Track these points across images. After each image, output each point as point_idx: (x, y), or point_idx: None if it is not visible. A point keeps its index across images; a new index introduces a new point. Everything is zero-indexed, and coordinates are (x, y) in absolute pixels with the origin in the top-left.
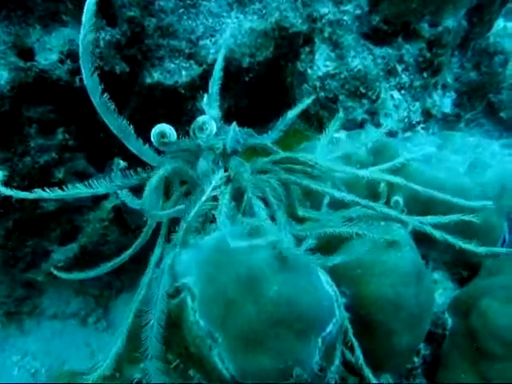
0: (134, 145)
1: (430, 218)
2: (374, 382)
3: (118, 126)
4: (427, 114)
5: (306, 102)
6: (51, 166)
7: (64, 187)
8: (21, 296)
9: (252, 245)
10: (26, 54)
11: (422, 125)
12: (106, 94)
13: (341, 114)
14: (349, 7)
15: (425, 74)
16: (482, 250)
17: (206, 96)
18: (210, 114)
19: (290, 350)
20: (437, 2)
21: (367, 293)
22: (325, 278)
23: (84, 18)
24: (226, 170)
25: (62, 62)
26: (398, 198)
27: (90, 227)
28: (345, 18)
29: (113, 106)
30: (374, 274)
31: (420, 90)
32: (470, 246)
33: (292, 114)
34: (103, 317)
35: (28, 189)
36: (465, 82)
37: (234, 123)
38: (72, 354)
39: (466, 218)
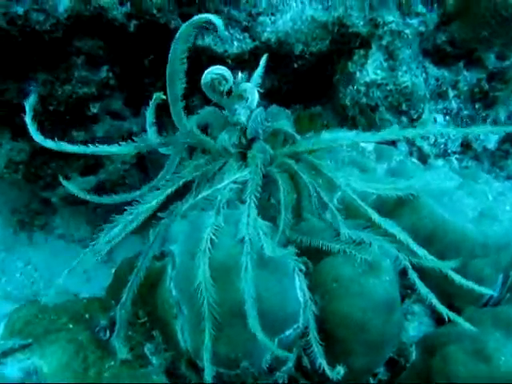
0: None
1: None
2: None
3: None
4: (466, 146)
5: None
6: (88, 100)
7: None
8: (36, 210)
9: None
10: None
11: (457, 155)
12: None
13: None
14: (414, 21)
15: (476, 106)
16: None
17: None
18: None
19: (242, 342)
20: (510, 35)
21: (336, 308)
22: (299, 284)
23: None
24: (247, 148)
25: (121, 3)
26: None
27: (112, 166)
28: (407, 31)
29: None
30: (348, 293)
31: (466, 120)
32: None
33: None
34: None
35: (61, 116)
36: None
37: (258, 110)
38: (69, 276)
39: (449, 265)
